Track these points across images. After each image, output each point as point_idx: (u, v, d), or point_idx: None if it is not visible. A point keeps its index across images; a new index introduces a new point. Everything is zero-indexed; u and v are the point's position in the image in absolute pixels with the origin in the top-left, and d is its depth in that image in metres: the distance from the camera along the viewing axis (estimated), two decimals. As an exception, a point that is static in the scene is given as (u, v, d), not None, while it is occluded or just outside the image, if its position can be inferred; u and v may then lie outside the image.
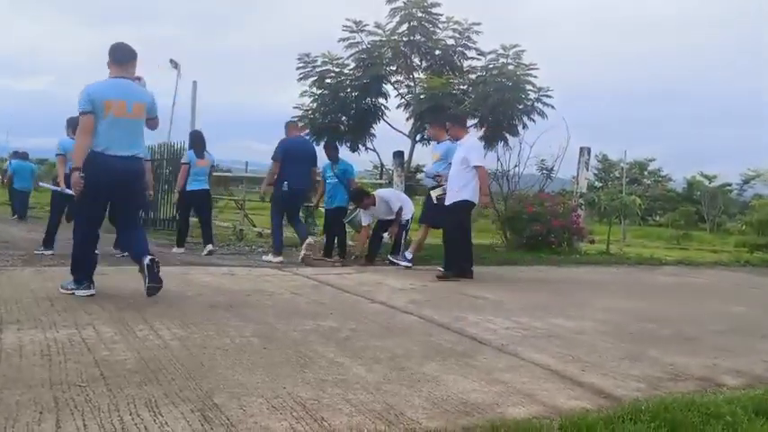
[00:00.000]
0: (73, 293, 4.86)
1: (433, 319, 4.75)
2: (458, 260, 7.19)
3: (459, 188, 7.10)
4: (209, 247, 8.79)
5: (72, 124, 6.73)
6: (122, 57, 4.87)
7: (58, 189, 7.58)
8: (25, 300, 4.60)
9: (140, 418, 2.44)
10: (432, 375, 3.27)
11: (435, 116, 9.22)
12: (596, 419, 2.64)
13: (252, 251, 9.68)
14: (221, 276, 6.42)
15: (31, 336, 3.57)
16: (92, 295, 4.86)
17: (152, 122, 5.10)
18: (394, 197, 8.72)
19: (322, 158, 9.22)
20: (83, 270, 4.93)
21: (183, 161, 9.16)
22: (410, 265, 8.12)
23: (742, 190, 41.02)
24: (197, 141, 9.06)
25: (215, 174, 14.24)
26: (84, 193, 4.74)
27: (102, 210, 4.97)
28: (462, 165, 7.10)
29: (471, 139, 7.47)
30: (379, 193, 8.73)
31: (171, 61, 15.33)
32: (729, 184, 41.44)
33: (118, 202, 4.96)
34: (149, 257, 4.73)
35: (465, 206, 7.16)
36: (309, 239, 8.50)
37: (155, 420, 2.43)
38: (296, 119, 11.81)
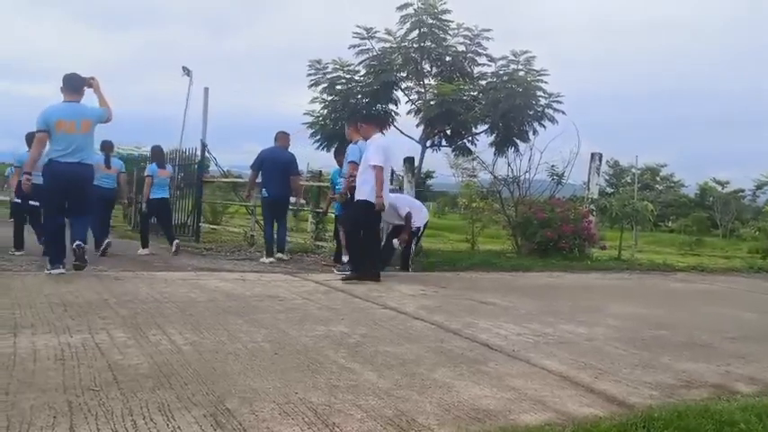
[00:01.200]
0: (50, 273, 6.11)
1: (444, 325, 4.75)
2: (364, 261, 7.07)
3: (359, 187, 7.12)
4: (176, 242, 9.65)
5: (29, 139, 7.50)
6: (73, 85, 6.18)
7: (17, 200, 8.69)
8: (39, 304, 4.64)
9: (153, 423, 2.46)
10: (443, 381, 3.27)
11: (349, 116, 9.26)
12: (609, 427, 2.63)
13: (263, 256, 9.70)
14: (233, 282, 6.45)
15: (45, 340, 3.61)
16: (62, 273, 6.15)
17: (106, 122, 6.42)
18: (402, 201, 8.45)
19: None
20: (55, 253, 6.23)
21: (146, 174, 10.05)
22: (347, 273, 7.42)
23: (755, 196, 40.66)
24: (158, 155, 10.13)
25: (225, 180, 14.36)
26: (45, 190, 6.27)
27: (61, 202, 6.29)
28: (364, 164, 7.11)
29: (377, 140, 7.29)
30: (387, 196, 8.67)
31: (183, 68, 15.46)
32: (742, 190, 41.13)
33: (69, 196, 6.27)
34: (77, 243, 6.23)
35: (361, 205, 7.07)
36: (281, 255, 9.14)
37: (167, 425, 2.44)
38: (305, 124, 11.89)
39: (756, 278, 10.55)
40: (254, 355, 3.53)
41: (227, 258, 9.46)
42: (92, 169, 6.54)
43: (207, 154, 12.42)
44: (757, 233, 19.43)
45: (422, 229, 8.52)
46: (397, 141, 12.20)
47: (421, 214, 8.50)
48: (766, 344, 4.83)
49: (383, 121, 8.15)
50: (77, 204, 6.35)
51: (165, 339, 3.78)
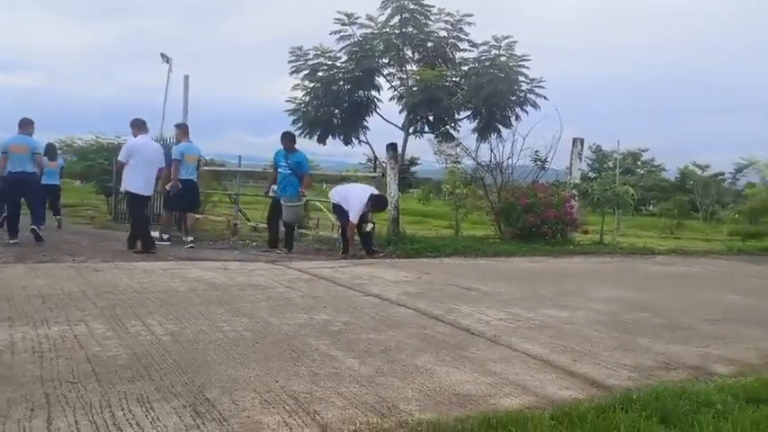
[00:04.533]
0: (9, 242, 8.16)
1: (427, 311, 4.76)
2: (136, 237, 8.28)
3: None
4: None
5: None
6: (23, 123, 8.83)
7: None
8: (17, 297, 4.58)
9: (132, 414, 2.44)
10: (425, 367, 3.28)
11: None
12: (588, 409, 2.66)
13: (246, 245, 9.66)
14: (215, 271, 6.41)
15: (23, 333, 3.56)
16: (16, 242, 8.29)
17: (37, 156, 8.97)
18: (340, 194, 8.89)
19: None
20: (12, 230, 8.56)
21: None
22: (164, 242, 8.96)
23: (735, 179, 41.11)
24: (50, 150, 11.42)
25: (208, 168, 14.27)
26: (4, 191, 8.70)
27: (17, 199, 8.82)
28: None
29: (129, 140, 8.57)
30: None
31: (162, 55, 15.14)
32: (722, 174, 41.59)
33: (23, 195, 8.89)
34: (33, 227, 8.80)
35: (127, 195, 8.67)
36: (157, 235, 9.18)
37: (146, 416, 2.43)
38: (287, 111, 11.79)
39: (736, 260, 10.71)
40: (235, 345, 3.52)
41: (211, 247, 9.39)
42: (35, 177, 8.96)
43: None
44: (737, 216, 19.70)
45: (361, 214, 8.59)
46: (375, 128, 12.22)
47: (354, 205, 8.55)
48: (744, 325, 4.90)
49: (138, 123, 8.65)
50: (28, 200, 9.02)
51: (144, 330, 3.75)
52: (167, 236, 9.28)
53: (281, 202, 8.97)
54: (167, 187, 9.02)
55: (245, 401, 2.63)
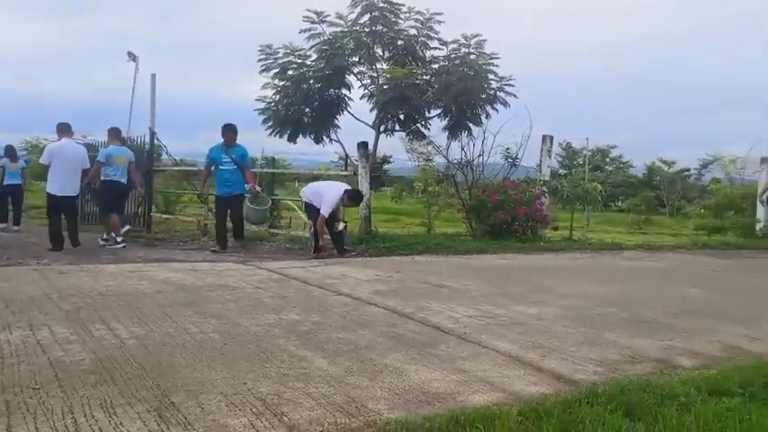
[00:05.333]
0: None
1: (397, 310, 4.76)
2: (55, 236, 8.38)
3: None
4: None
5: None
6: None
7: None
8: (-23, 302, 4.46)
9: (95, 420, 2.39)
10: (394, 366, 3.28)
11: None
12: (554, 404, 2.69)
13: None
14: (184, 272, 6.32)
15: (-17, 339, 3.47)
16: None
17: None
18: (314, 189, 8.87)
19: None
20: None
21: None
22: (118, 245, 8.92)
23: (700, 175, 42.04)
24: (10, 151, 12.05)
25: (177, 168, 14.09)
26: None
27: None
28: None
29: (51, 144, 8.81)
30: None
31: (129, 54, 14.92)
32: (688, 170, 42.51)
33: None
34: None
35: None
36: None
37: (109, 421, 2.38)
38: (257, 111, 11.70)
39: (701, 255, 10.93)
40: (203, 347, 3.47)
41: (180, 248, 9.28)
42: None
43: (156, 141, 12.11)
44: (702, 211, 20.15)
45: (326, 214, 8.52)
46: (346, 127, 12.21)
47: (325, 201, 8.50)
48: (709, 319, 5.00)
49: (63, 126, 8.89)
50: None
51: (109, 334, 3.68)
52: (120, 237, 9.17)
53: (247, 203, 8.92)
54: (83, 185, 9.20)
55: (211, 405, 2.59)
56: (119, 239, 9.05)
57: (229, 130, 9.00)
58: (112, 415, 2.44)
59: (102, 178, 9.23)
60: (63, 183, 8.48)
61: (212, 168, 9.02)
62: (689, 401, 2.82)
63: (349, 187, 8.91)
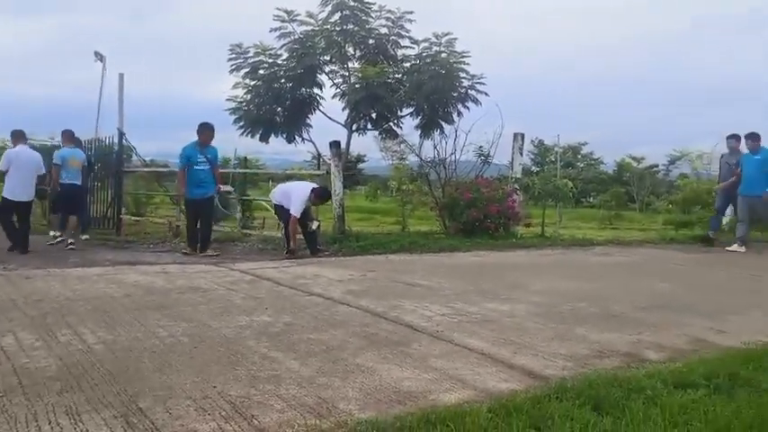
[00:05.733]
0: None
1: (370, 309, 4.76)
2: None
3: None
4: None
5: None
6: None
7: None
8: (-62, 309, 4.34)
9: (60, 427, 2.35)
10: (366, 366, 3.27)
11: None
12: (524, 400, 2.71)
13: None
14: (154, 275, 6.24)
15: (-57, 347, 3.38)
16: None
17: None
18: (283, 190, 8.88)
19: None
20: None
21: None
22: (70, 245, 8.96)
23: (668, 170, 42.75)
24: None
25: (147, 170, 13.91)
26: None
27: None
28: None
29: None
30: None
31: (96, 53, 14.63)
32: (656, 166, 43.19)
33: None
34: None
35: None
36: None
37: (75, 428, 2.34)
38: (228, 111, 11.60)
39: (669, 249, 11.12)
40: (172, 351, 3.43)
41: (151, 251, 9.15)
42: None
43: (125, 142, 11.92)
44: (670, 206, 20.49)
45: (297, 215, 8.49)
46: (318, 126, 12.18)
47: (297, 199, 8.49)
48: (676, 313, 5.09)
49: (18, 134, 9.15)
50: None
51: (75, 339, 3.61)
52: (71, 240, 9.18)
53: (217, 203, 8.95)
54: (48, 189, 9.49)
55: (179, 409, 2.56)
56: (69, 241, 9.08)
57: (207, 129, 8.88)
58: (78, 422, 2.40)
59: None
60: (18, 188, 8.71)
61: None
62: (655, 394, 2.87)
63: (316, 186, 8.89)
